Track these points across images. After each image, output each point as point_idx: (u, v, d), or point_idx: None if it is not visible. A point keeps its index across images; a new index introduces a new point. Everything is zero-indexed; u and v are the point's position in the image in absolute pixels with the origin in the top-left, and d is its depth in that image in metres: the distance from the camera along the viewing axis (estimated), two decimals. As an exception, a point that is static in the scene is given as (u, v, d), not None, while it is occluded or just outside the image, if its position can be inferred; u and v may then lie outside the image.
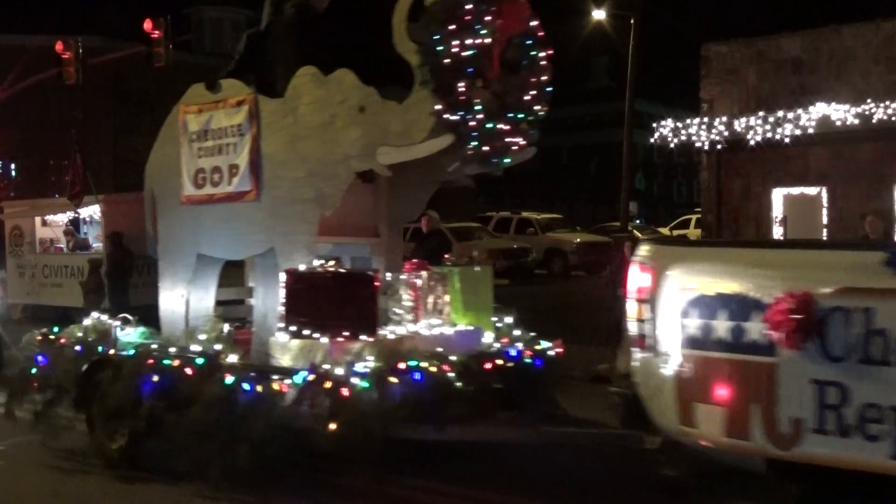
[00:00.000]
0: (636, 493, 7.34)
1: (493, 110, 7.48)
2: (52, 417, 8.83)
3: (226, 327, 8.46)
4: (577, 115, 58.96)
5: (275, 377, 7.46)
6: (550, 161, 49.34)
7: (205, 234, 9.08)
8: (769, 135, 16.08)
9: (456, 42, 7.35)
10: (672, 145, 18.39)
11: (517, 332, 8.97)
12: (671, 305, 5.55)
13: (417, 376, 7.27)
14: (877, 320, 4.80)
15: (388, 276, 8.27)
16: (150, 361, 8.06)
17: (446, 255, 9.68)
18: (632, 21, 27.97)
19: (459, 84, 7.34)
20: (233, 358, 7.88)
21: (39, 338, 9.22)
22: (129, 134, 39.74)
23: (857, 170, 15.95)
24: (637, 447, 6.63)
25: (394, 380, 7.14)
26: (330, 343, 7.52)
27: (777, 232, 16.96)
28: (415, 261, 8.65)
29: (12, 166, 38.39)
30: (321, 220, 8.27)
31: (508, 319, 9.08)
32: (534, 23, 7.80)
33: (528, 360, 8.51)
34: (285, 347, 7.79)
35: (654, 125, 19.09)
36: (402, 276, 8.26)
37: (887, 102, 15.01)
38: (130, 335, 8.86)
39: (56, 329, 9.29)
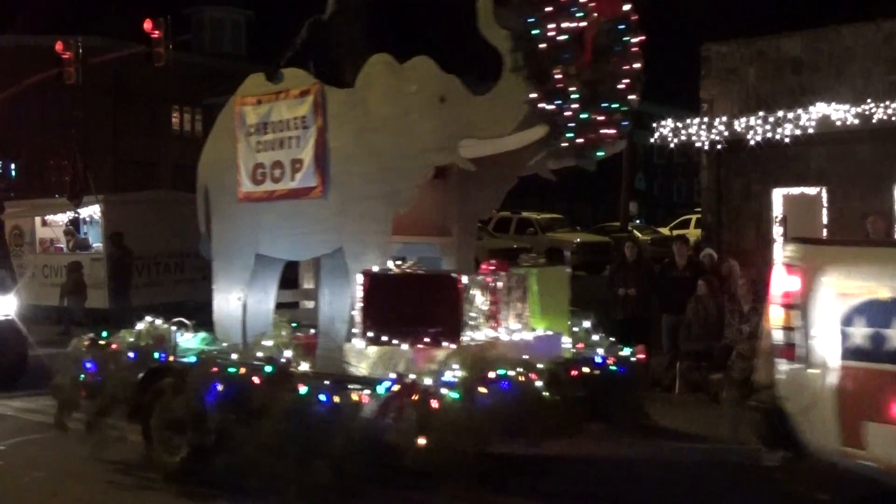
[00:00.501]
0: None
1: (587, 99, 6.95)
2: (104, 428, 8.25)
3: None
4: (577, 114, 58.92)
5: (353, 387, 6.88)
6: (550, 161, 49.23)
7: (264, 234, 8.49)
8: (769, 135, 16.01)
9: (552, 25, 6.81)
10: (672, 145, 18.35)
11: (595, 337, 8.41)
12: (828, 312, 5.00)
13: (506, 386, 6.72)
14: None
15: (465, 278, 7.58)
16: (214, 369, 7.45)
17: (522, 255, 9.07)
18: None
19: (555, 71, 6.82)
20: (304, 366, 7.29)
21: (87, 343, 8.64)
22: (129, 134, 39.81)
23: (857, 170, 15.91)
24: (752, 463, 6.17)
25: (483, 390, 6.58)
26: (412, 350, 6.99)
27: (777, 232, 16.96)
28: (492, 261, 8.08)
29: (12, 166, 38.39)
30: None
31: (586, 323, 8.52)
32: (627, 6, 7.24)
33: (612, 368, 7.94)
34: (362, 355, 7.25)
35: (654, 125, 19.09)
36: (479, 278, 7.64)
37: (887, 102, 14.96)
38: (191, 341, 8.34)
39: (104, 333, 8.71)
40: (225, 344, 8.27)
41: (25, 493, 7.74)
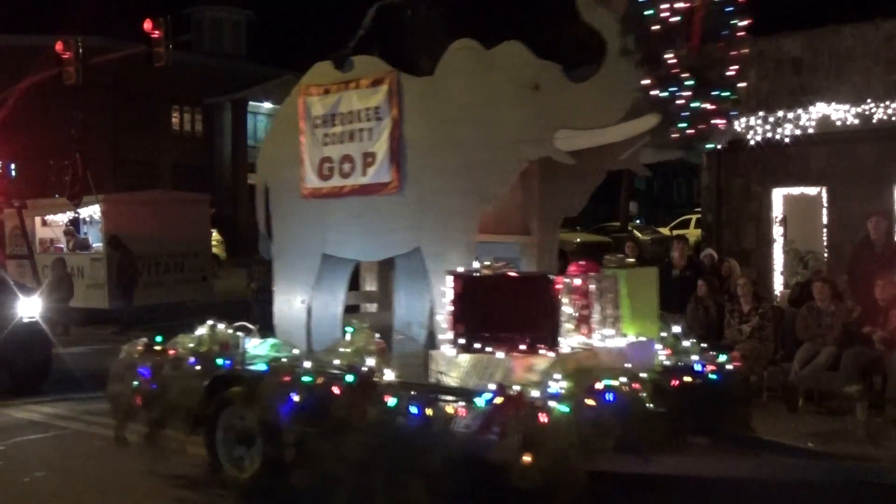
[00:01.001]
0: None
1: (697, 87, 6.35)
2: (161, 440, 7.71)
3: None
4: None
5: (447, 398, 6.27)
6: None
7: (332, 232, 7.88)
8: (769, 135, 16.03)
9: (666, 6, 6.21)
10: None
11: (686, 343, 7.75)
12: None
13: (612, 398, 6.15)
14: None
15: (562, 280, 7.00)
16: (287, 378, 6.84)
17: (607, 256, 8.32)
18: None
19: (668, 56, 6.20)
20: (390, 375, 6.66)
21: (140, 348, 8.05)
22: (129, 134, 39.72)
23: (857, 170, 15.89)
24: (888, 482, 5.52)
25: (591, 402, 6.01)
26: (510, 359, 6.41)
27: (777, 232, 16.95)
28: (582, 262, 7.50)
29: (12, 166, 38.35)
30: None
31: (675, 328, 7.89)
32: None
33: (712, 376, 7.32)
34: (452, 363, 6.64)
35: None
36: (570, 280, 7.03)
37: (887, 102, 14.92)
38: (260, 347, 7.73)
39: (159, 338, 8.10)
40: (296, 351, 7.65)
41: (25, 493, 7.66)
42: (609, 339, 7.11)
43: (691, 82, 6.27)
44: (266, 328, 15.54)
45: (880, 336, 9.89)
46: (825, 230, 16.16)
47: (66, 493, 7.66)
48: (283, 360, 7.25)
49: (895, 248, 10.98)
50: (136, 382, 7.80)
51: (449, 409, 6.17)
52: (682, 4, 6.25)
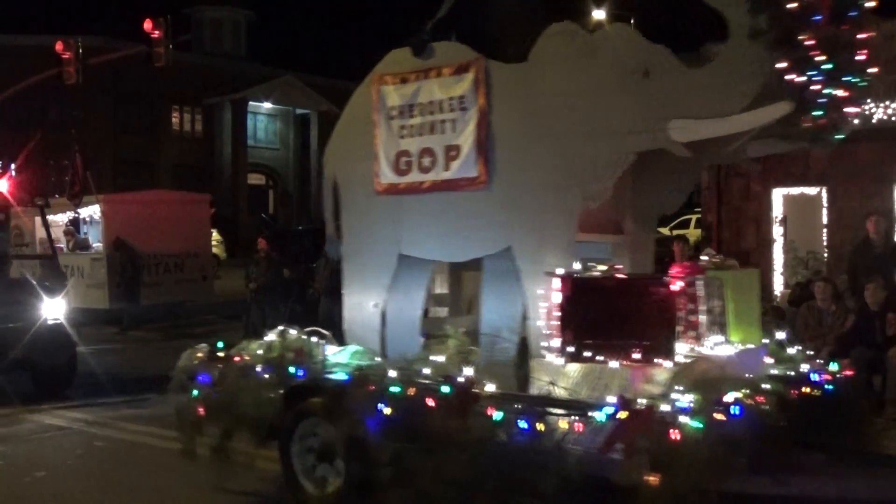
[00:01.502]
0: None
1: (830, 72, 5.74)
2: (229, 453, 7.09)
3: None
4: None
5: (560, 412, 5.66)
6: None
7: (409, 231, 7.27)
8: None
9: None
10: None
11: (791, 351, 7.14)
12: None
13: (741, 411, 5.49)
14: None
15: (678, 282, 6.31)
16: (372, 388, 6.27)
17: (703, 256, 7.57)
18: (632, 21, 28.07)
19: (803, 37, 5.60)
20: (490, 387, 6.02)
21: (201, 355, 7.43)
22: (129, 134, 39.59)
23: (857, 170, 15.88)
24: None
25: (720, 417, 5.37)
26: (628, 369, 5.84)
27: (777, 232, 16.93)
28: (686, 263, 7.00)
29: (12, 166, 38.36)
30: None
31: (780, 334, 7.26)
32: None
33: (829, 386, 6.71)
34: (559, 373, 6.03)
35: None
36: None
37: (887, 102, 14.94)
38: (339, 355, 7.07)
39: (220, 344, 7.49)
40: (378, 359, 7.03)
41: (25, 493, 7.59)
42: (718, 346, 6.47)
43: (829, 66, 5.68)
44: (263, 328, 15.50)
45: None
46: (825, 230, 16.13)
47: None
48: (367, 368, 6.63)
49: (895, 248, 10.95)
50: (196, 391, 7.22)
51: (563, 423, 5.56)
52: None
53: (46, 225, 14.79)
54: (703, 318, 6.39)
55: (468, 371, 6.11)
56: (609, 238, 7.23)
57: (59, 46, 20.67)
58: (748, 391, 5.73)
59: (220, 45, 44.96)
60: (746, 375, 6.05)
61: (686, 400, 5.41)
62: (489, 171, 6.81)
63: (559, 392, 5.96)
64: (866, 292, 9.82)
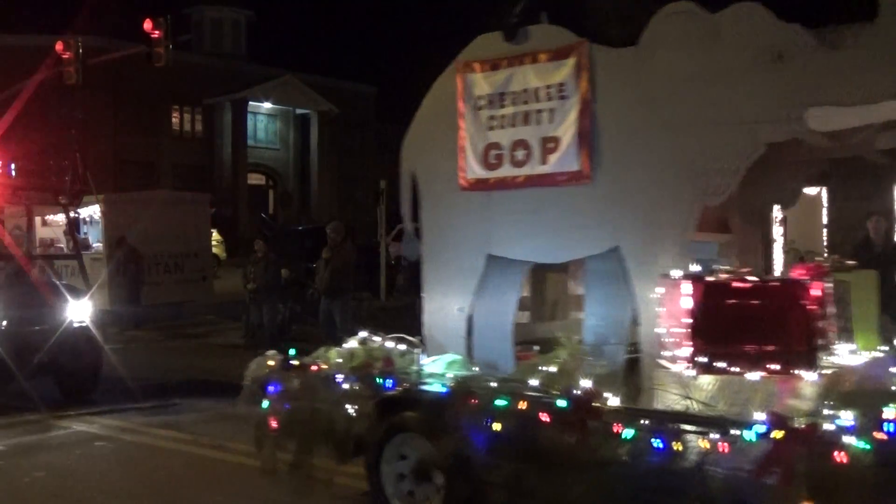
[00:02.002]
0: None
1: None
2: (308, 469, 6.51)
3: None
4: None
5: (698, 429, 4.97)
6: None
7: (500, 230, 6.64)
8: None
9: None
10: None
11: None
12: None
13: (891, 428, 4.76)
14: None
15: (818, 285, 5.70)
16: (478, 402, 5.67)
17: (818, 258, 7.04)
18: None
19: None
20: (614, 401, 5.37)
21: (272, 363, 6.81)
22: (129, 134, 39.29)
23: (857, 170, 15.79)
24: None
25: (881, 436, 4.69)
26: (771, 381, 5.23)
27: (777, 232, 16.84)
28: (807, 264, 6.40)
29: (12, 166, 38.27)
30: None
31: None
32: None
33: None
34: (689, 385, 5.36)
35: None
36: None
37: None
38: (436, 364, 6.44)
39: (293, 351, 6.87)
40: (476, 369, 6.38)
41: (25, 493, 7.48)
42: (852, 354, 5.89)
43: None
44: (261, 328, 15.26)
45: None
46: (825, 230, 16.05)
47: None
48: (469, 379, 6.00)
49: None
50: (266, 402, 6.67)
51: (703, 442, 4.90)
52: None
53: (70, 224, 14.62)
54: (834, 323, 5.84)
55: (586, 383, 5.45)
56: (715, 237, 6.57)
57: (59, 46, 20.42)
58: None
59: (220, 45, 44.64)
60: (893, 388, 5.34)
61: (847, 417, 4.77)
62: (593, 164, 6.19)
63: (694, 406, 5.29)
64: None
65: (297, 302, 16.61)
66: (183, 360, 14.61)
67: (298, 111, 45.34)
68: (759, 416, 4.84)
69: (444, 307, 6.87)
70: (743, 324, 5.45)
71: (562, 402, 5.37)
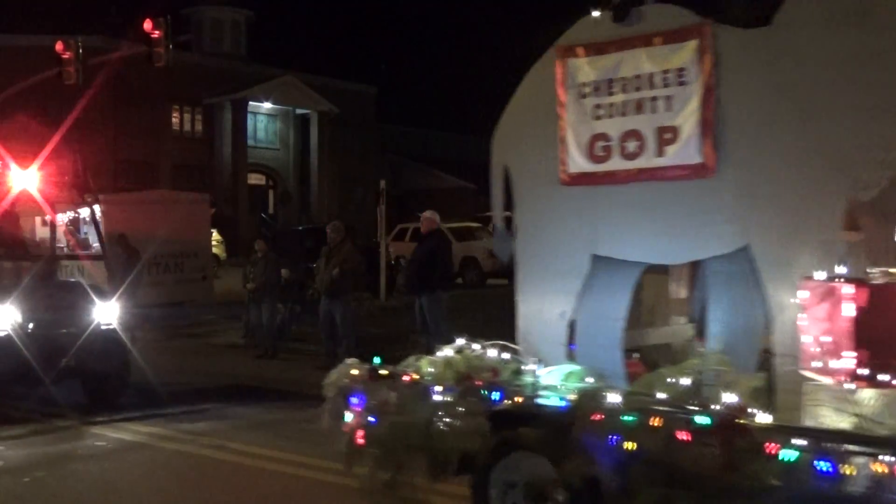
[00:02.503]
0: None
1: None
2: (406, 489, 5.96)
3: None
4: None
5: (870, 451, 4.38)
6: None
7: (608, 228, 6.06)
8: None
9: None
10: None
11: None
12: None
13: None
14: None
15: None
16: (605, 418, 5.11)
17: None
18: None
19: None
20: (765, 417, 4.81)
21: (356, 372, 6.21)
22: (129, 134, 38.77)
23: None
24: None
25: None
26: None
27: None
28: None
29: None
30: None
31: None
32: None
33: None
34: (845, 400, 4.82)
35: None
36: None
37: None
38: (552, 375, 5.83)
39: (378, 360, 6.29)
40: (591, 379, 5.78)
41: (25, 493, 7.43)
42: None
43: None
44: (260, 328, 14.80)
45: None
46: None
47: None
48: (592, 392, 5.42)
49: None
50: (347, 415, 6.12)
51: (877, 466, 4.34)
52: None
53: (96, 223, 14.24)
54: None
55: (731, 397, 4.87)
56: (842, 236, 5.84)
57: (59, 46, 20.39)
58: None
59: (220, 45, 44.24)
60: None
61: None
62: (719, 157, 5.60)
63: (863, 425, 4.73)
64: None
65: (297, 302, 16.34)
66: (195, 362, 14.41)
67: (298, 111, 44.97)
68: None
69: (543, 312, 6.28)
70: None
71: (703, 419, 4.76)
